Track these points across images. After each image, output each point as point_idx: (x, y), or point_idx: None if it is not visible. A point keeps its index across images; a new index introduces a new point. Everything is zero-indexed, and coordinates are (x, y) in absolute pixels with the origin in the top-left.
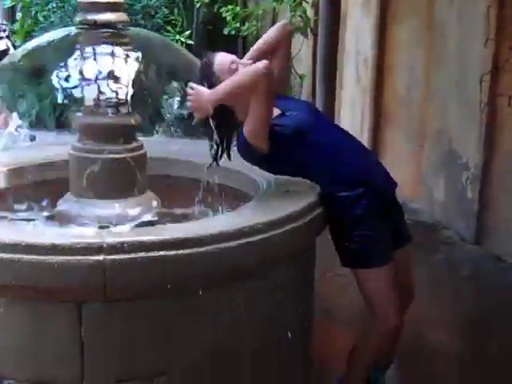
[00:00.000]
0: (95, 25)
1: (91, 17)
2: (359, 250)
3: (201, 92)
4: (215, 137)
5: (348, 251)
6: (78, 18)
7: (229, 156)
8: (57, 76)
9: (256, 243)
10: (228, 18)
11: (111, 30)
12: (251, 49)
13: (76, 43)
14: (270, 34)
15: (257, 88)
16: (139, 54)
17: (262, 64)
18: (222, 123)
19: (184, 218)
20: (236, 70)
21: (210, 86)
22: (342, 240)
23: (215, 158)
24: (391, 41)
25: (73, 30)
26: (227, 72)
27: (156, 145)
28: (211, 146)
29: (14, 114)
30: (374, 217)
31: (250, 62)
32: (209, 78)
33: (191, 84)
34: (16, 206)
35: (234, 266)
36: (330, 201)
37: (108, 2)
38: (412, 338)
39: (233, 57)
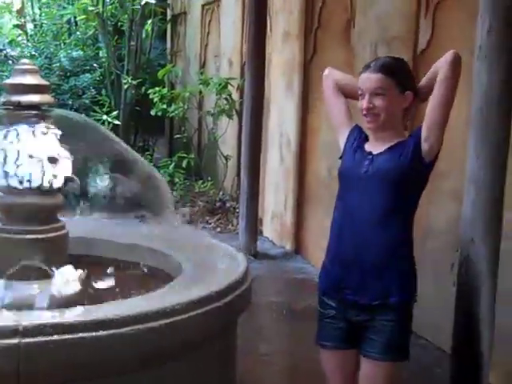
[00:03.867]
0: (19, 106)
1: (15, 98)
2: None
3: None
4: None
5: None
6: (2, 99)
7: None
8: None
9: (174, 324)
10: (155, 100)
11: (35, 112)
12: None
13: None
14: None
15: None
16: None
17: None
18: None
19: (105, 299)
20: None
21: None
22: None
23: None
24: (313, 122)
25: None
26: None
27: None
28: None
29: None
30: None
31: None
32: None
33: None
34: None
35: (152, 348)
36: None
37: (32, 84)
38: None
39: None
